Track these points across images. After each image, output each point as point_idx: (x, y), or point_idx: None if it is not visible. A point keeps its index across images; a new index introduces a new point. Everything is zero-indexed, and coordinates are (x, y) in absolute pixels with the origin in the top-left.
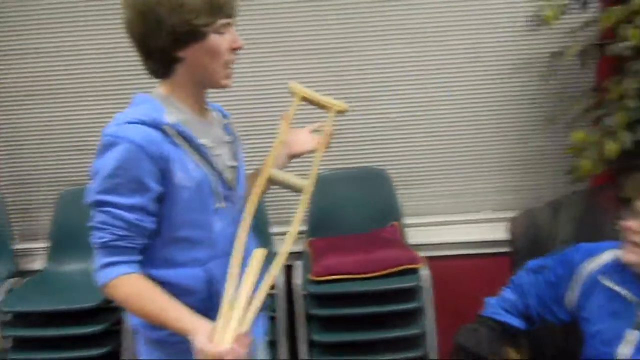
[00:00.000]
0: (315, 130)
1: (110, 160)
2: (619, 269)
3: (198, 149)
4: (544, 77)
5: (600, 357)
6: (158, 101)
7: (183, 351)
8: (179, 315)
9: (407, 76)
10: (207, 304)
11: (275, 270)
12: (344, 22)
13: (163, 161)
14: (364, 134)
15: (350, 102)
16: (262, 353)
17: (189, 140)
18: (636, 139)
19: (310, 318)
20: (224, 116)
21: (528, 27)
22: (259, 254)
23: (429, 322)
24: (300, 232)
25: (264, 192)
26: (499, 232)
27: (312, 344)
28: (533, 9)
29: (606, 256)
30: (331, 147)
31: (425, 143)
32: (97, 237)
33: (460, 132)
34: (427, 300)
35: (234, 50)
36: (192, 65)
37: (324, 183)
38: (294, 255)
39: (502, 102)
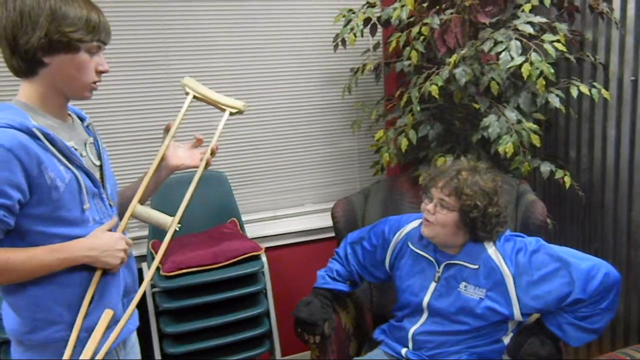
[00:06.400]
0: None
1: None
2: (420, 237)
3: (66, 151)
4: (348, 89)
5: (410, 304)
6: (19, 108)
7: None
8: (65, 247)
9: (237, 90)
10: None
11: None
12: (172, 33)
13: (33, 164)
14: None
15: (187, 114)
16: (136, 342)
17: (56, 143)
18: (420, 136)
19: (161, 313)
20: (81, 119)
21: (332, 47)
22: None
23: (271, 302)
24: (142, 237)
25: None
26: (321, 220)
27: (164, 337)
28: (337, 32)
29: (409, 227)
30: None
31: (255, 148)
32: None
33: (283, 138)
34: (268, 283)
35: (99, 72)
36: (55, 73)
37: (165, 187)
38: (139, 258)
39: (316, 111)
